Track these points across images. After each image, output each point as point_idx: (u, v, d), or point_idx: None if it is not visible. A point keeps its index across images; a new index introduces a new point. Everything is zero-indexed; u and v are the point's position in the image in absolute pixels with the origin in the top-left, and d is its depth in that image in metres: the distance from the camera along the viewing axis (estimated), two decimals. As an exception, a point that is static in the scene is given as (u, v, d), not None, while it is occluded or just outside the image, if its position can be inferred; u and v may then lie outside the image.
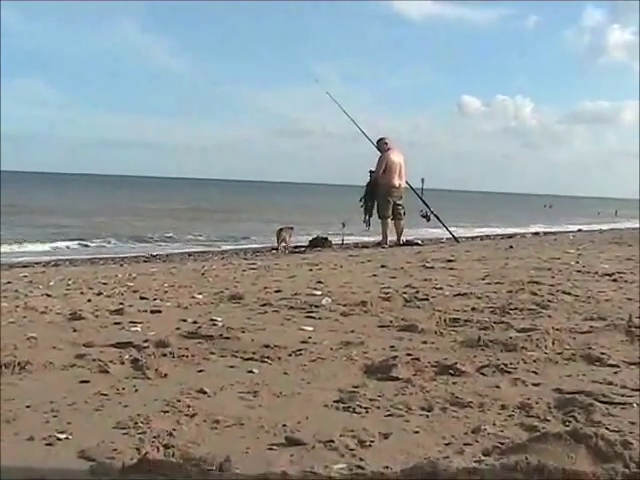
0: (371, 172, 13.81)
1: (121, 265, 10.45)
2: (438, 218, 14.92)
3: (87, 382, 2.90)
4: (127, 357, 3.29)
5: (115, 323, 4.24)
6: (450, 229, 15.46)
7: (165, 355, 3.33)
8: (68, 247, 17.24)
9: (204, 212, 34.91)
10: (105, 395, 2.70)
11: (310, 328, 4.05)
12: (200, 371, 3.10)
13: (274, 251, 13.23)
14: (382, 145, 13.88)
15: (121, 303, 5.05)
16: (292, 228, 14.57)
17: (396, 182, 13.71)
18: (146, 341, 3.60)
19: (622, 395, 2.63)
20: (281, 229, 14.15)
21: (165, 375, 3.01)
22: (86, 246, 17.72)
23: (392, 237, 13.69)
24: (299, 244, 14.42)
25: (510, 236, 17.91)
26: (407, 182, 14.15)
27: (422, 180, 15.33)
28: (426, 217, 14.82)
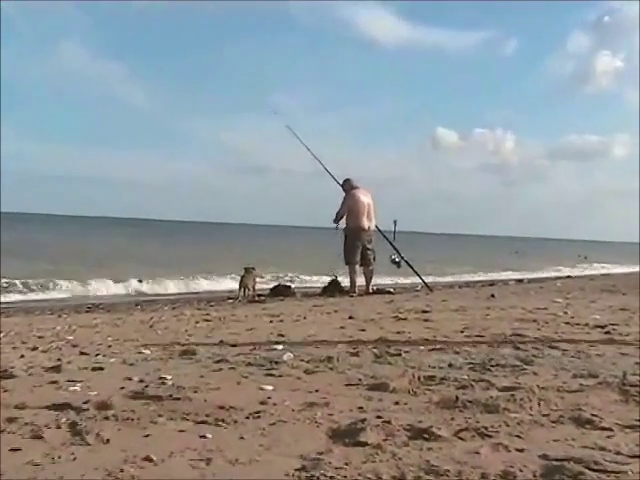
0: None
1: (60, 316, 10.32)
2: (409, 265, 14.94)
3: (18, 450, 2.84)
4: (64, 420, 3.24)
5: (51, 382, 4.19)
6: (424, 276, 15.55)
7: (107, 418, 3.29)
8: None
9: (151, 255, 34.61)
10: (38, 465, 2.65)
11: (270, 387, 4.03)
12: (146, 436, 3.06)
13: (230, 300, 13.16)
14: (347, 185, 13.91)
15: (59, 359, 5.00)
16: (254, 269, 14.47)
17: (365, 224, 13.67)
18: (86, 402, 3.56)
19: (616, 462, 2.63)
20: (243, 276, 14.08)
21: (107, 441, 2.96)
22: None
23: (361, 284, 13.71)
24: (258, 292, 14.31)
25: (491, 283, 18.09)
26: (376, 225, 14.15)
27: (394, 222, 15.43)
28: (397, 263, 14.82)
